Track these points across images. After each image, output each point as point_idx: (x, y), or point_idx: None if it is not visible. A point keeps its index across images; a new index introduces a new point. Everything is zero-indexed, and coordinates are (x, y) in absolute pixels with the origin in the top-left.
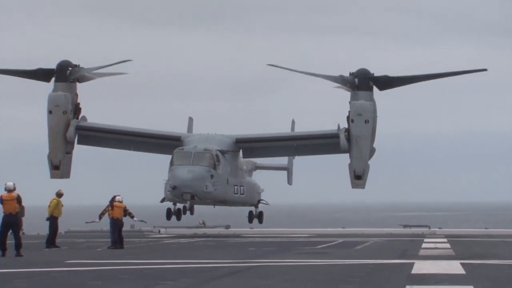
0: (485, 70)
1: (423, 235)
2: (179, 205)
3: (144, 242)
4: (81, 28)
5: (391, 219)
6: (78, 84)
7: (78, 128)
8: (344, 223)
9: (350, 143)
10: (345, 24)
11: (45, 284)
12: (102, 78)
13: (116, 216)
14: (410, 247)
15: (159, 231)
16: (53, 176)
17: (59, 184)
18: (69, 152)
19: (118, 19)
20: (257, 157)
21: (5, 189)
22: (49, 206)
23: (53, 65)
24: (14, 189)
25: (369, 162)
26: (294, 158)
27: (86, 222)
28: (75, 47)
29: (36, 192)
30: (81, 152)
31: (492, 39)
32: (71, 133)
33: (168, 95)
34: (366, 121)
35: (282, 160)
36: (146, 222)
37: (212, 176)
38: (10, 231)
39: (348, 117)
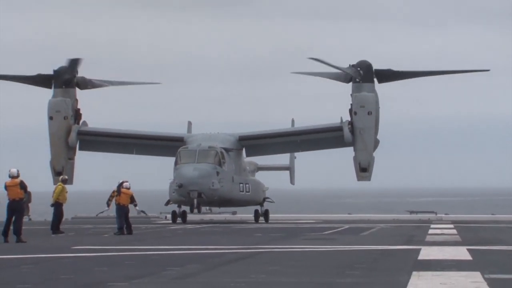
0: (487, 70)
1: (430, 221)
2: (184, 207)
3: (151, 228)
4: (90, 13)
5: (398, 205)
6: (78, 91)
7: (80, 133)
8: (350, 209)
9: (354, 135)
10: (354, 9)
11: (51, 269)
12: (108, 87)
13: (122, 203)
14: (417, 233)
15: (166, 217)
16: (56, 182)
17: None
18: (71, 158)
19: (127, 5)
20: (260, 154)
21: (9, 176)
22: (53, 192)
23: (58, 64)
24: (18, 176)
25: (374, 153)
26: (295, 158)
27: (98, 215)
28: (84, 32)
29: (41, 178)
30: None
31: (502, 22)
32: (73, 138)
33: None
34: (369, 113)
35: (284, 160)
36: (146, 214)
37: (218, 173)
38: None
39: (350, 110)
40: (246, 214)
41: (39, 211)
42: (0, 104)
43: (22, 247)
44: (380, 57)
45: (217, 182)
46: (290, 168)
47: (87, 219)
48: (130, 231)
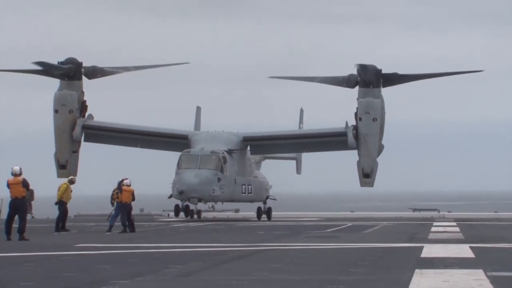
0: (481, 71)
1: (433, 219)
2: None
3: (153, 225)
4: (92, 18)
5: (403, 209)
6: (86, 81)
7: (85, 127)
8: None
9: (358, 141)
10: (354, 12)
11: (54, 267)
12: (117, 74)
13: (125, 200)
14: (420, 230)
15: (168, 214)
16: (60, 175)
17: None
18: (75, 151)
19: (128, 10)
20: (264, 153)
21: (12, 174)
22: (58, 190)
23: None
24: (20, 174)
25: (378, 158)
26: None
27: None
28: (86, 38)
29: (46, 181)
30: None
31: (503, 27)
32: (78, 132)
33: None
34: (374, 119)
35: None
36: (142, 210)
37: (219, 180)
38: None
39: (356, 114)
40: (249, 212)
41: (43, 213)
42: (4, 108)
43: (25, 245)
44: (379, 61)
45: (218, 188)
46: (296, 158)
47: (89, 217)
48: (133, 229)
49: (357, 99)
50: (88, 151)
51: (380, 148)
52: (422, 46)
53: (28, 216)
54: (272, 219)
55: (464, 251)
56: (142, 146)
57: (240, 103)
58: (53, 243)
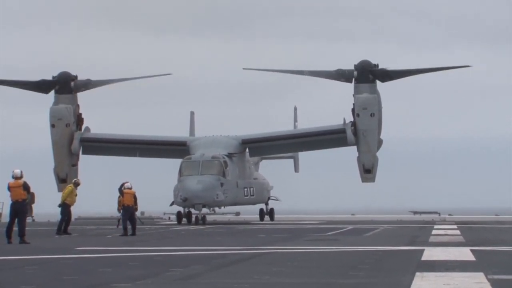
0: (468, 66)
1: (433, 222)
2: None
3: (154, 229)
4: (89, 37)
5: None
6: (78, 94)
7: (82, 140)
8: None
9: (357, 137)
10: (353, 29)
11: (55, 270)
12: (105, 86)
13: (127, 203)
14: (420, 233)
15: (169, 218)
16: (60, 189)
17: None
18: (74, 164)
19: (126, 27)
20: (263, 155)
21: (12, 177)
22: (63, 192)
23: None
24: (21, 177)
25: (378, 153)
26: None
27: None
28: (84, 56)
29: (48, 199)
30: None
31: (501, 45)
32: (76, 145)
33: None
34: (372, 115)
35: None
36: (142, 223)
37: (222, 184)
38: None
39: (353, 110)
40: (250, 215)
41: (44, 217)
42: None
43: (25, 248)
44: None
45: (221, 193)
46: (294, 157)
47: (90, 220)
48: (134, 232)
49: (354, 95)
50: (86, 163)
51: (379, 142)
52: (421, 63)
53: (29, 219)
54: (274, 220)
55: (465, 254)
56: (141, 155)
57: (237, 110)
58: (54, 246)
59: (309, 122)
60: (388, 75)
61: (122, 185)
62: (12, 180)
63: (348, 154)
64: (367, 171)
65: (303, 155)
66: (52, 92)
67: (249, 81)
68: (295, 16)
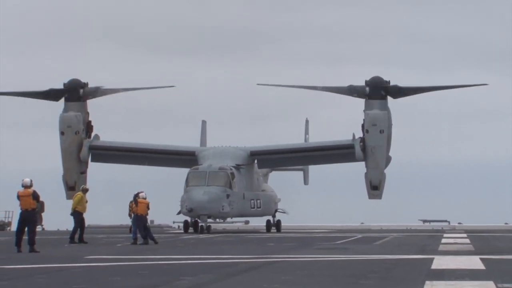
0: (485, 84)
1: (443, 230)
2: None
3: (163, 237)
4: (95, 58)
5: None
6: (88, 101)
7: (91, 148)
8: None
9: (366, 153)
10: (359, 53)
11: (65, 279)
12: (115, 94)
13: (141, 212)
14: (430, 242)
15: (178, 226)
16: (69, 197)
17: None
18: (83, 172)
19: (133, 48)
20: (271, 167)
21: (22, 185)
22: (73, 200)
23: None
24: (31, 185)
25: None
26: None
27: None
28: (91, 74)
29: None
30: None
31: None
32: (85, 153)
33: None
34: (381, 131)
35: None
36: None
37: (228, 196)
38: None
39: (363, 126)
40: (259, 224)
41: (53, 225)
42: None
43: (35, 257)
44: None
45: (227, 205)
46: (303, 169)
47: (100, 229)
48: (146, 241)
49: (364, 111)
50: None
51: (388, 159)
52: (428, 84)
53: (39, 228)
54: (282, 230)
55: (474, 262)
56: (149, 164)
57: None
58: (63, 255)
59: (320, 136)
60: (401, 92)
61: (137, 194)
62: (21, 189)
63: (359, 169)
64: (374, 188)
65: (313, 168)
66: (62, 100)
67: (260, 98)
68: (301, 39)
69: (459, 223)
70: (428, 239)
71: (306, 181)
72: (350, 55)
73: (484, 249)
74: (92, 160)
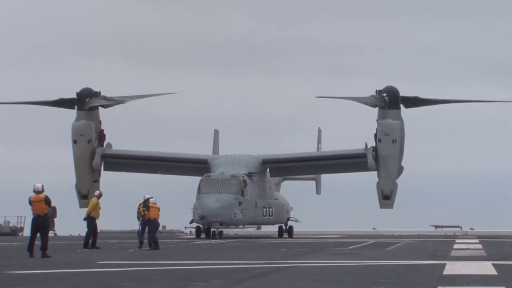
0: (509, 102)
1: (455, 236)
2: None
3: (175, 243)
4: (107, 69)
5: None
6: (101, 110)
7: (104, 156)
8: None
9: (378, 162)
10: (364, 66)
11: (77, 284)
12: (128, 102)
13: (153, 217)
14: (442, 248)
15: (190, 232)
16: (82, 205)
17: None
18: (96, 181)
19: (144, 60)
20: (283, 175)
21: (34, 191)
22: (88, 206)
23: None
24: (43, 191)
25: (397, 181)
26: None
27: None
28: (98, 87)
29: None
30: None
31: None
32: (97, 162)
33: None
34: (394, 141)
35: None
36: (160, 232)
37: (240, 203)
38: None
39: (375, 135)
40: (271, 229)
41: (65, 231)
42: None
43: (47, 262)
44: None
45: (239, 212)
46: (316, 179)
47: (112, 234)
48: (157, 246)
49: (377, 120)
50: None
51: (400, 169)
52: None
53: (51, 233)
54: (294, 236)
55: (486, 268)
56: (162, 172)
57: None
58: (75, 260)
59: (332, 146)
60: (416, 102)
61: (147, 199)
62: (33, 195)
63: (371, 178)
64: (386, 197)
65: (325, 177)
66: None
67: (272, 108)
68: (309, 52)
69: (471, 229)
70: (440, 245)
71: (318, 191)
72: (356, 68)
73: (496, 254)
74: (104, 169)
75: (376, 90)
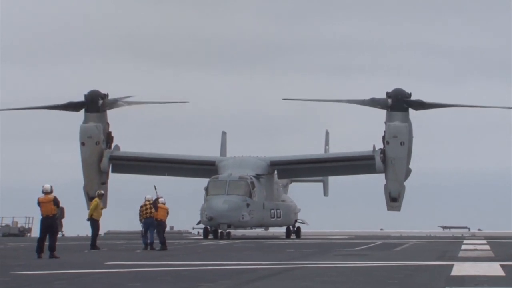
0: (510, 108)
1: (463, 237)
2: None
3: (183, 243)
4: (115, 69)
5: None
6: (108, 112)
7: (112, 158)
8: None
9: (386, 165)
10: (368, 64)
11: (85, 285)
12: (132, 106)
13: (161, 218)
14: (450, 248)
15: (198, 232)
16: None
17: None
18: (104, 183)
19: (151, 61)
20: (291, 177)
21: (42, 191)
22: (90, 207)
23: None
24: (51, 191)
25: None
26: None
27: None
28: (108, 88)
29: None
30: None
31: None
32: (105, 164)
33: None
34: (402, 143)
35: None
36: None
37: (248, 205)
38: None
39: (383, 138)
40: (278, 230)
41: (73, 231)
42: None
43: (55, 263)
44: None
45: (247, 214)
46: (323, 181)
47: (120, 235)
48: (165, 247)
49: (385, 122)
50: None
51: (408, 172)
52: (439, 97)
53: (59, 234)
54: (301, 237)
55: (494, 269)
56: (169, 174)
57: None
58: (83, 261)
59: (340, 148)
60: (423, 105)
61: (157, 199)
62: (42, 195)
63: (379, 181)
64: (394, 200)
65: (333, 179)
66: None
67: (280, 110)
68: (313, 51)
69: (479, 230)
70: (448, 246)
71: (326, 193)
72: (363, 67)
73: (504, 255)
74: (112, 171)
75: (386, 92)
